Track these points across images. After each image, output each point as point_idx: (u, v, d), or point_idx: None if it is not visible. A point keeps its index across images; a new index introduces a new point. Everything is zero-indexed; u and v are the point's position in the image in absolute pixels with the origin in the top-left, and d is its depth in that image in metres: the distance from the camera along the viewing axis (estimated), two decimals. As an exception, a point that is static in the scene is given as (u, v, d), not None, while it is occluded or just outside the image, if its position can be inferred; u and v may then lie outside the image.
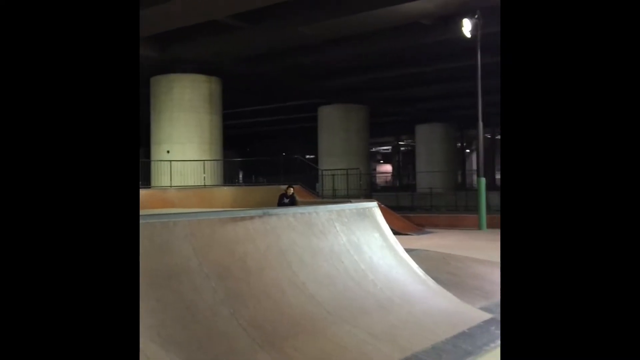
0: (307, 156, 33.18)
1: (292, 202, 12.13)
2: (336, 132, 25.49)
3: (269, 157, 30.85)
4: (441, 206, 21.68)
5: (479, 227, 15.77)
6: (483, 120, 16.12)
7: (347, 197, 18.73)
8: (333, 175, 23.24)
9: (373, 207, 5.98)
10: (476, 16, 14.82)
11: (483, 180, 15.92)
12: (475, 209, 16.63)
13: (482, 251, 10.27)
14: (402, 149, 47.36)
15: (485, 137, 17.67)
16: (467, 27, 14.90)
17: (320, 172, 24.34)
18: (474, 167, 39.47)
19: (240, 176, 37.93)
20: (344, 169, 23.28)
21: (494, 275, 6.99)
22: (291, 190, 12.64)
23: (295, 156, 23.74)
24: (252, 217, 4.64)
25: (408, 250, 6.16)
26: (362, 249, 5.36)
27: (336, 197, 20.55)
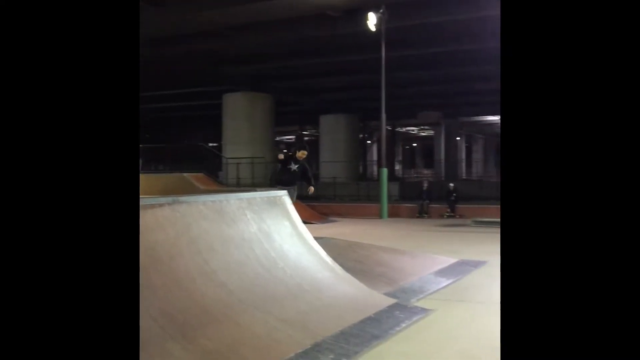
0: (211, 144, 32.64)
1: (303, 172, 8.27)
2: (241, 120, 25.22)
3: (170, 145, 30.05)
4: (344, 196, 22.13)
5: (380, 215, 16.29)
6: (384, 113, 16.61)
7: (253, 186, 18.65)
8: (238, 163, 23.05)
9: (283, 195, 6.01)
10: (381, 10, 15.20)
11: (385, 170, 16.45)
12: (377, 199, 17.15)
13: (384, 239, 10.65)
14: (306, 138, 47.75)
15: (386, 129, 18.22)
16: (372, 20, 15.25)
17: (224, 161, 24.06)
18: (375, 158, 40.60)
19: (140, 164, 36.64)
20: (249, 158, 23.15)
21: (398, 262, 7.27)
22: (305, 153, 8.30)
23: (199, 144, 23.29)
24: (161, 205, 4.52)
25: (316, 239, 6.26)
26: (273, 237, 5.38)
27: (241, 186, 20.41)
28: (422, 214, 17.13)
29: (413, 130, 47.18)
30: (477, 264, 7.82)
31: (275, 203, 5.84)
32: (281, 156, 8.23)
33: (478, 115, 38.18)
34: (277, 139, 39.87)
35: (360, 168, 36.83)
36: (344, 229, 12.94)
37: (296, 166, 8.20)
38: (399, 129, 42.88)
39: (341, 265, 5.90)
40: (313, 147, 44.44)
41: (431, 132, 44.77)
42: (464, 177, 39.43)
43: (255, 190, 6.61)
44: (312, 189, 8.15)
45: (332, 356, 3.84)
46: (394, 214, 16.97)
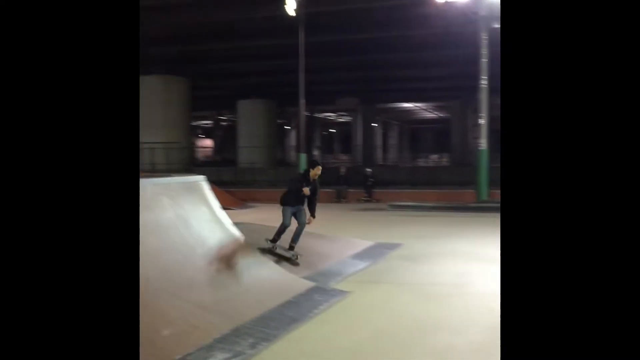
0: (124, 128, 31.42)
1: (312, 194, 7.03)
2: (155, 104, 24.44)
3: (80, 128, 28.63)
4: (263, 181, 22.07)
5: (299, 201, 16.33)
6: (303, 98, 16.65)
7: (168, 172, 18.19)
8: (152, 148, 22.40)
9: (201, 180, 5.90)
10: (300, -5, 15.17)
11: (304, 155, 16.51)
12: (296, 184, 17.18)
13: (303, 224, 10.69)
14: (223, 123, 47.07)
15: (304, 115, 18.21)
16: (291, 5, 15.18)
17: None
18: (293, 143, 40.69)
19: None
20: (164, 143, 22.55)
21: (316, 246, 7.34)
22: (319, 169, 7.06)
23: (111, 128, 22.38)
24: (71, 191, 4.32)
25: (235, 224, 6.20)
26: (191, 223, 5.28)
27: (156, 172, 19.86)
28: (340, 198, 17.36)
29: (331, 116, 47.61)
30: (392, 247, 8.03)
31: (193, 189, 5.73)
32: (307, 191, 6.91)
33: (394, 102, 39.03)
34: (194, 123, 39.14)
35: (279, 153, 36.81)
36: (263, 215, 12.88)
37: (308, 188, 7.01)
38: (317, 115, 43.17)
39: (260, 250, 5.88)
40: (230, 132, 43.91)
41: (349, 118, 45.36)
42: (380, 163, 40.35)
43: (172, 176, 6.43)
44: (312, 219, 7.05)
45: (251, 340, 3.84)
46: (312, 199, 17.08)
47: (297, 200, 7.03)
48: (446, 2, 14.03)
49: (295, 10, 15.28)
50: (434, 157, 51.00)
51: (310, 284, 5.39)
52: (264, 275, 5.36)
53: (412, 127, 55.33)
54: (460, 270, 6.46)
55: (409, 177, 24.18)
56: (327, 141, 56.12)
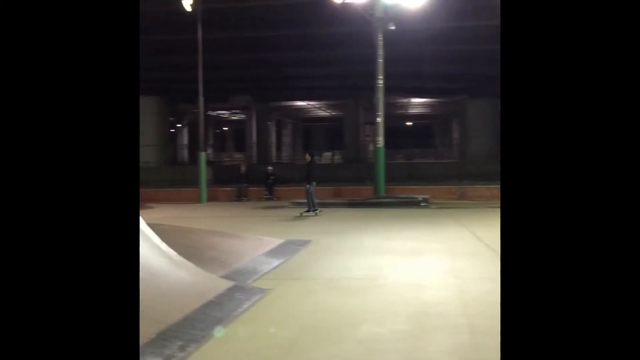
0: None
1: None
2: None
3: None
4: (158, 180, 21.41)
5: (199, 200, 16.06)
6: (202, 95, 16.32)
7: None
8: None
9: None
10: (197, -9, 14.83)
11: (204, 154, 16.20)
12: (192, 183, 16.87)
13: (209, 223, 10.56)
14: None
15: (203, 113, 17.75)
16: (187, 1, 14.84)
17: None
18: (185, 142, 39.75)
19: None
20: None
21: (228, 245, 7.30)
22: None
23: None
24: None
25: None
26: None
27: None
28: (240, 196, 17.26)
29: (224, 114, 46.97)
30: (302, 243, 8.14)
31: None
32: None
33: (288, 100, 39.21)
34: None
35: (172, 152, 35.80)
36: (164, 214, 12.55)
37: None
38: (210, 113, 42.38)
39: (173, 250, 5.75)
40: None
41: (243, 116, 44.95)
42: (275, 161, 40.39)
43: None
44: None
45: (180, 343, 3.78)
46: (212, 198, 16.87)
47: None
48: (343, 3, 14.35)
49: (191, 5, 14.95)
50: (327, 154, 51.87)
51: (229, 283, 5.35)
52: (182, 276, 5.25)
53: (306, 125, 55.87)
54: (370, 263, 6.69)
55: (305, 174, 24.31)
56: (221, 139, 55.36)
